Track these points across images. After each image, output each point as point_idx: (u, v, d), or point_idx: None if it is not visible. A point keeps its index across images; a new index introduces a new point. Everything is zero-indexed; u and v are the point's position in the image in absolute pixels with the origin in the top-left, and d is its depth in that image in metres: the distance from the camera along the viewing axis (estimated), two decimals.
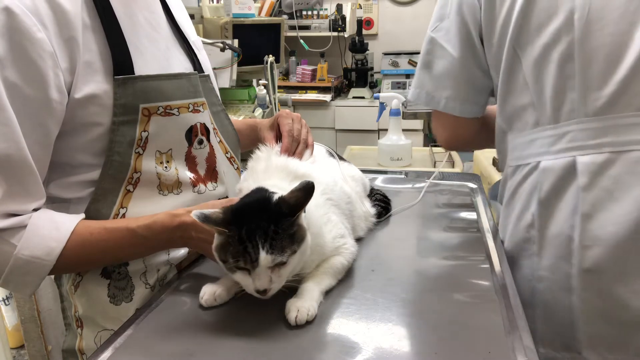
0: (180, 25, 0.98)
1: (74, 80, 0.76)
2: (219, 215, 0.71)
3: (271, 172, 0.90)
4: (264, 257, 0.69)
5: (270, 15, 3.67)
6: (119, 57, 0.80)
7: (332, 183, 0.94)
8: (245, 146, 1.12)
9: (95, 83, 0.78)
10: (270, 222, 0.70)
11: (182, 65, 0.95)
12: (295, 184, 0.84)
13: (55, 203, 0.84)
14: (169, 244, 0.86)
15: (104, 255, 0.82)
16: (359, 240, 1.00)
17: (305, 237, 0.74)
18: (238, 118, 2.54)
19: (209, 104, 0.97)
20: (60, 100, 0.75)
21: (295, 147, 0.99)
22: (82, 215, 0.82)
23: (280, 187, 0.82)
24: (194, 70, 0.96)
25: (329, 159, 1.07)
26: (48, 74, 0.73)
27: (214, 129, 0.98)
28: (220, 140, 1.01)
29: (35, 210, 0.77)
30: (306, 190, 0.73)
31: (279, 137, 1.02)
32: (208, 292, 0.80)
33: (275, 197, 0.74)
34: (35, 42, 0.71)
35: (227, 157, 1.03)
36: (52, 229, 0.77)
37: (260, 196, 0.75)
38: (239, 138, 1.09)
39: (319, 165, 1.00)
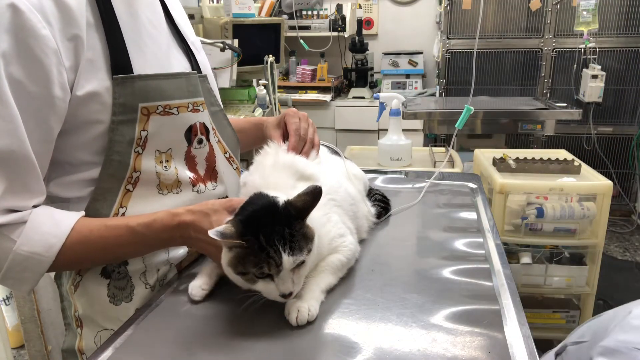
0: (179, 26, 0.98)
1: (76, 77, 0.77)
2: (232, 229, 0.71)
3: (279, 167, 0.90)
4: (287, 259, 0.70)
5: (270, 15, 3.67)
6: (117, 56, 0.80)
7: (337, 185, 0.94)
8: (250, 145, 1.12)
9: (97, 80, 0.78)
10: (283, 225, 0.71)
11: (181, 65, 0.95)
12: (300, 184, 0.84)
13: (55, 202, 0.84)
14: (169, 242, 0.86)
15: (103, 252, 0.82)
16: (360, 241, 0.99)
17: (314, 236, 0.75)
18: (239, 118, 2.54)
19: (207, 104, 0.97)
20: (63, 97, 0.75)
21: (302, 147, 0.99)
22: (82, 213, 0.82)
23: (284, 186, 0.83)
24: (192, 70, 0.96)
25: (333, 158, 1.07)
26: (52, 71, 0.73)
27: (213, 129, 0.98)
28: (219, 141, 1.01)
29: (35, 206, 0.77)
30: (314, 195, 0.74)
31: (285, 136, 1.02)
32: (195, 286, 0.81)
33: (281, 201, 0.75)
34: (40, 39, 0.71)
35: (225, 157, 1.02)
36: (52, 226, 0.77)
37: (265, 202, 0.75)
38: (238, 138, 1.09)
39: (325, 166, 1.00)
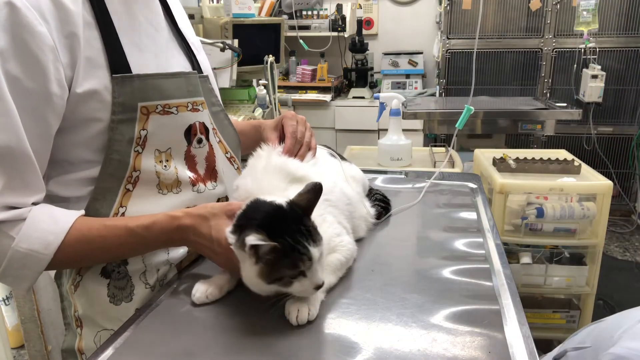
0: (179, 26, 0.98)
1: (74, 75, 0.77)
2: (262, 236, 0.70)
3: (270, 171, 0.90)
4: (314, 251, 0.72)
5: (270, 15, 3.67)
6: (114, 56, 0.80)
7: (332, 185, 0.94)
8: (249, 147, 1.11)
9: (97, 79, 0.78)
10: (297, 223, 0.73)
11: (181, 65, 0.95)
12: (292, 187, 0.85)
13: (55, 202, 0.83)
14: (167, 244, 0.86)
15: (101, 252, 0.82)
16: (359, 240, 0.99)
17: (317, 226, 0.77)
18: (238, 118, 2.55)
19: (208, 104, 0.97)
20: (60, 94, 0.76)
21: (298, 149, 0.99)
22: (82, 212, 0.82)
23: (276, 189, 0.83)
24: (193, 70, 0.96)
25: (331, 160, 1.07)
26: (49, 67, 0.73)
27: (213, 129, 0.98)
28: (220, 140, 1.01)
29: (35, 204, 0.77)
30: (314, 191, 0.76)
31: (282, 139, 1.02)
32: (200, 290, 0.81)
33: (283, 202, 0.75)
34: (37, 36, 0.72)
35: (226, 157, 1.02)
36: (50, 223, 0.77)
37: (270, 206, 0.76)
38: (239, 139, 1.09)
39: (319, 167, 1.00)
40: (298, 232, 0.72)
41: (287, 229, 0.71)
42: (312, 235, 0.73)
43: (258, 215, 0.74)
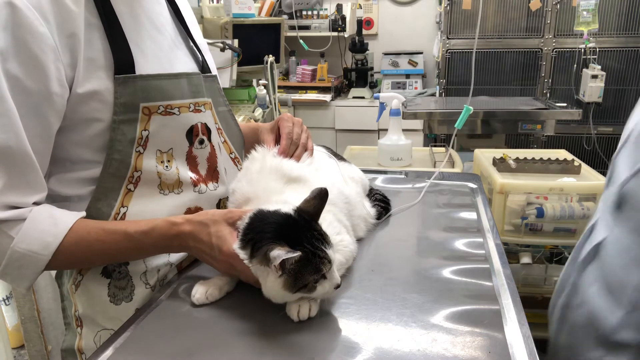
0: (187, 27, 0.99)
1: (75, 75, 0.77)
2: (286, 248, 0.70)
3: (265, 173, 0.90)
4: (331, 253, 0.73)
5: (270, 15, 3.67)
6: (120, 57, 0.80)
7: (329, 183, 0.94)
8: (247, 150, 1.12)
9: (98, 79, 0.79)
10: (310, 230, 0.74)
11: (186, 65, 0.95)
12: (289, 188, 0.85)
13: (57, 202, 0.84)
14: (166, 250, 0.86)
15: (100, 255, 0.82)
16: (359, 240, 0.99)
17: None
18: (238, 118, 2.54)
19: (215, 104, 0.97)
20: (61, 93, 0.76)
21: (294, 150, 0.99)
22: (83, 213, 0.82)
23: (272, 191, 0.84)
24: (200, 70, 0.96)
25: (329, 160, 1.07)
26: (49, 67, 0.73)
27: (219, 129, 0.98)
28: (225, 141, 1.01)
29: (36, 203, 0.77)
30: (321, 197, 0.77)
31: (279, 141, 1.02)
32: (200, 291, 0.80)
33: (289, 210, 0.76)
34: (37, 36, 0.72)
35: (231, 158, 1.03)
36: (50, 224, 0.77)
37: (278, 217, 0.76)
38: (244, 139, 1.09)
39: (316, 167, 1.00)
40: (313, 238, 0.72)
41: (302, 237, 0.72)
42: (325, 238, 0.74)
43: (268, 227, 0.74)
